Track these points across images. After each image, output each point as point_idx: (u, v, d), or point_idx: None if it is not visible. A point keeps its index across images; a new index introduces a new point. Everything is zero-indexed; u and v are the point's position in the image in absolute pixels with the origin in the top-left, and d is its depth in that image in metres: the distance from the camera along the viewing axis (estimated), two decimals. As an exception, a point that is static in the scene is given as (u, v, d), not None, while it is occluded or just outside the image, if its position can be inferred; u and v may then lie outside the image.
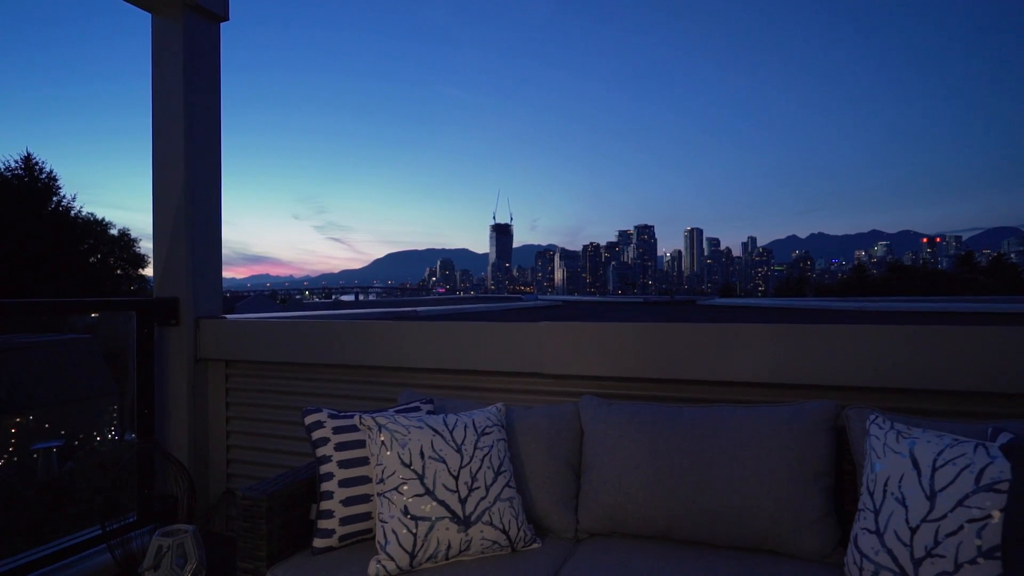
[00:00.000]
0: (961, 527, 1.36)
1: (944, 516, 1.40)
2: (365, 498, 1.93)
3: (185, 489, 2.86)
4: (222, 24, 3.39)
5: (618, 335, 2.42)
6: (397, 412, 2.12)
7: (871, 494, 1.59)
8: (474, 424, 1.98)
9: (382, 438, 1.87)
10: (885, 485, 1.55)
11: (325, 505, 1.91)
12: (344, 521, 1.90)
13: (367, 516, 1.92)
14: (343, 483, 1.92)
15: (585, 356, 2.46)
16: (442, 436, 1.89)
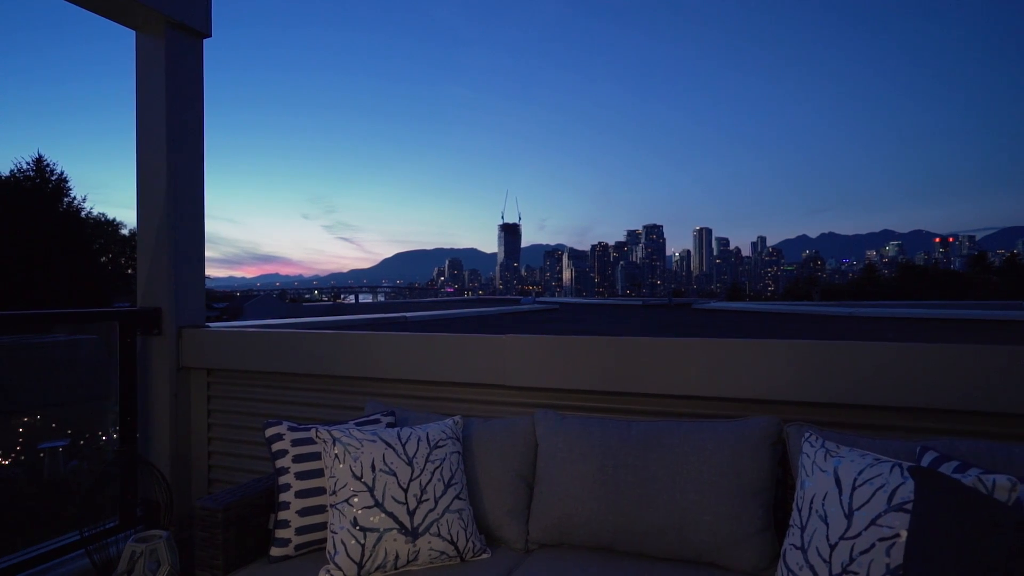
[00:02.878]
0: (873, 545, 1.41)
1: (859, 534, 1.44)
2: (321, 509, 2.00)
3: (164, 495, 2.95)
4: (205, 40, 3.47)
5: (577, 348, 2.47)
6: (357, 424, 2.19)
7: (800, 511, 1.64)
8: (427, 437, 2.04)
9: (336, 451, 1.93)
10: (811, 502, 1.60)
11: (282, 515, 1.98)
12: (300, 531, 1.97)
13: (323, 526, 1.99)
14: (299, 494, 1.99)
15: (546, 369, 2.52)
16: (394, 449, 1.96)
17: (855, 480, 1.52)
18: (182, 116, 3.30)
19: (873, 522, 1.43)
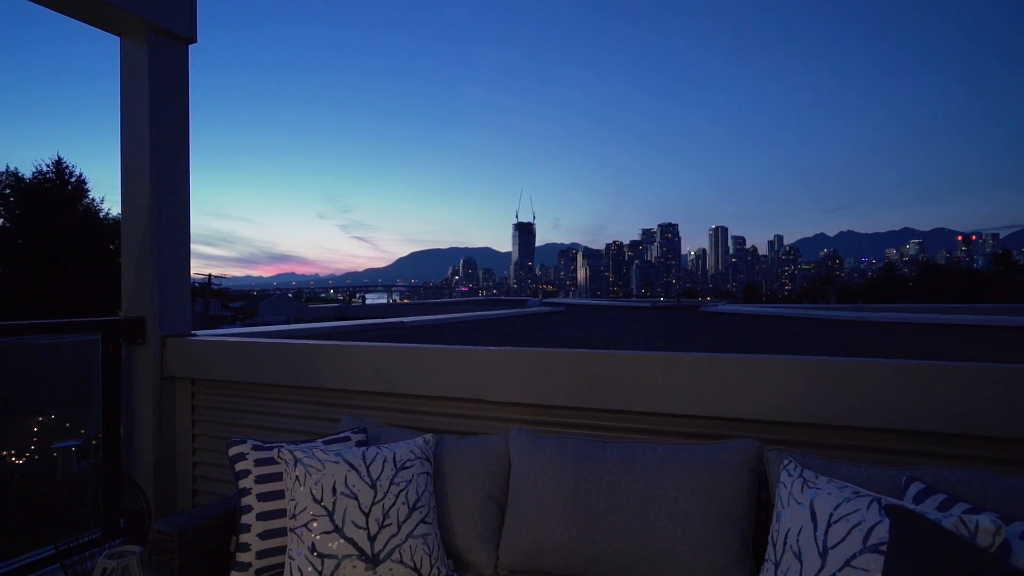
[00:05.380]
0: (847, 589, 1.31)
1: (833, 575, 1.34)
2: (283, 531, 1.93)
3: (144, 508, 2.91)
4: (191, 46, 3.44)
5: (557, 363, 2.39)
6: (325, 442, 2.13)
7: (774, 545, 1.54)
8: (394, 458, 1.97)
9: (297, 472, 1.87)
10: (786, 537, 1.50)
11: (243, 538, 1.92)
12: (261, 554, 1.91)
13: (284, 550, 1.93)
14: (261, 516, 1.93)
15: (526, 384, 2.43)
16: (357, 471, 1.89)
17: (831, 516, 1.42)
18: (166, 123, 3.27)
19: (848, 563, 1.33)
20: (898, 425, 1.90)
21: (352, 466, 1.90)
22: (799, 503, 1.51)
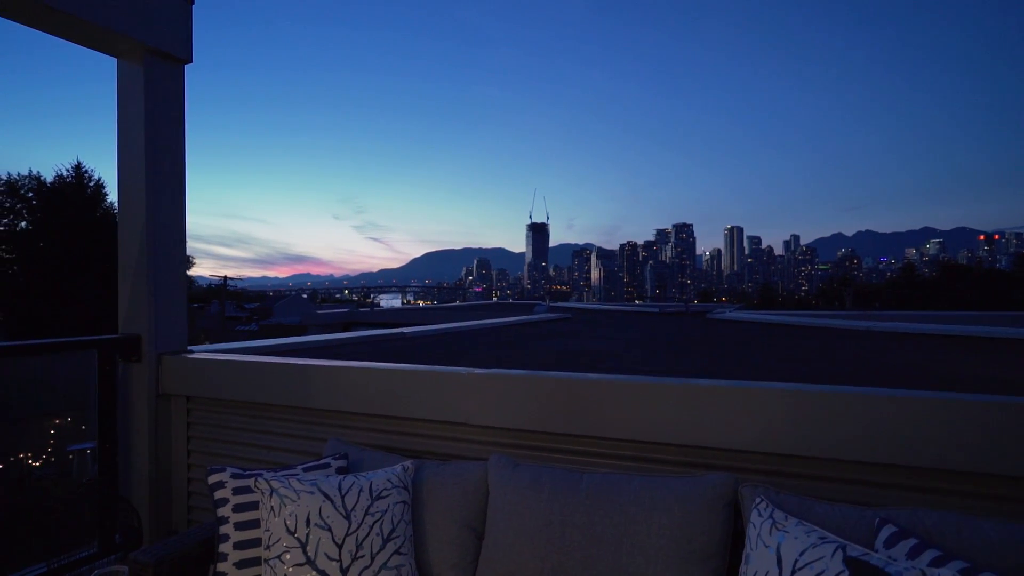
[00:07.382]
0: (808, 640, 1.29)
1: (795, 625, 1.32)
2: (260, 561, 1.95)
3: (136, 526, 2.95)
4: (187, 66, 3.48)
5: (538, 387, 2.38)
6: (305, 469, 2.14)
7: (742, 587, 1.52)
8: (370, 488, 1.97)
9: (272, 503, 1.88)
10: (753, 580, 1.48)
11: (220, 567, 1.94)
12: (237, 584, 1.92)
13: (261, 578, 1.94)
14: (238, 545, 1.95)
15: (508, 408, 2.43)
16: (332, 502, 1.90)
17: (796, 562, 1.39)
18: (162, 143, 3.31)
19: (809, 613, 1.31)
20: (879, 459, 1.87)
21: (327, 496, 1.90)
22: (767, 546, 1.49)
